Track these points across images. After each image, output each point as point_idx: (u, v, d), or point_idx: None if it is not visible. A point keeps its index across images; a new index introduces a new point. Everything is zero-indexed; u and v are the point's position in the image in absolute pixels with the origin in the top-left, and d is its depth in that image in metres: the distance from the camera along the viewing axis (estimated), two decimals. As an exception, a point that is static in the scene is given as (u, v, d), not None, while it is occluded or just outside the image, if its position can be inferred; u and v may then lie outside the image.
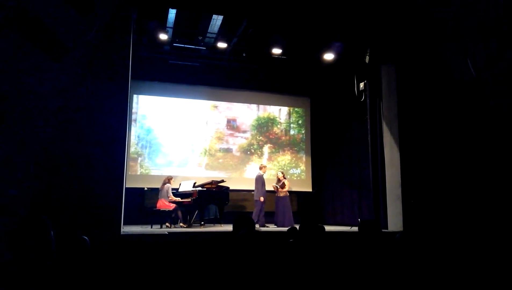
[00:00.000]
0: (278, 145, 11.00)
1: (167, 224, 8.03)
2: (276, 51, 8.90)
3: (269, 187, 8.80)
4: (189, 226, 8.13)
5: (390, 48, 7.91)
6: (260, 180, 8.63)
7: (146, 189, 9.39)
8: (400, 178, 7.69)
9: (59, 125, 5.56)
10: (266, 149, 10.89)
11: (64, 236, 2.62)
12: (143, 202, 9.22)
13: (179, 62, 9.97)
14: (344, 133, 10.03)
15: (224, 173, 10.28)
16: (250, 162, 10.64)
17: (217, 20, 8.30)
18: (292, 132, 11.22)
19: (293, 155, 11.05)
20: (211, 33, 8.82)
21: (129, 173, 9.21)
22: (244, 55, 9.69)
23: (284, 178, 8.95)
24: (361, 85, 8.71)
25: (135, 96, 9.80)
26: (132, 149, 9.68)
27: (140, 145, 9.91)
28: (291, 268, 2.61)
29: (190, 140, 10.24)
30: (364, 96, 8.64)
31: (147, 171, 9.84)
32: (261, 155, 10.80)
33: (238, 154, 10.63)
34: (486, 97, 5.81)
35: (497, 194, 5.68)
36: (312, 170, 11.05)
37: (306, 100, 11.32)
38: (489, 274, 3.14)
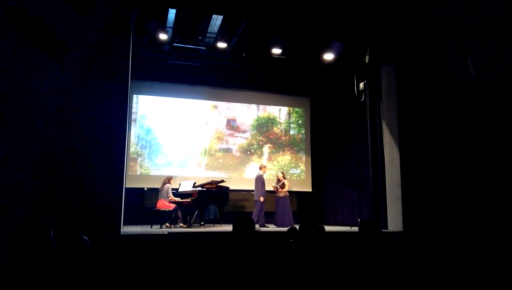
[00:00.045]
0: (278, 145, 10.99)
1: (167, 224, 8.02)
2: (276, 51, 8.89)
3: (269, 187, 8.79)
4: (189, 226, 8.13)
5: (390, 48, 7.92)
6: (260, 180, 8.62)
7: (146, 189, 9.39)
8: (400, 178, 7.69)
9: (59, 125, 5.57)
10: (266, 149, 10.89)
11: (64, 236, 2.62)
12: (143, 202, 9.23)
13: (179, 62, 9.97)
14: (344, 133, 10.02)
15: (224, 173, 10.28)
16: (250, 162, 10.64)
17: (217, 20, 8.30)
18: (292, 132, 11.22)
19: (293, 155, 11.05)
20: (211, 33, 8.82)
21: (129, 173, 9.21)
22: (244, 55, 9.69)
23: (284, 178, 8.94)
24: (361, 85, 8.71)
25: (135, 96, 9.79)
26: (132, 149, 9.68)
27: (140, 145, 9.91)
28: (291, 268, 2.60)
29: (190, 140, 10.23)
30: (364, 96, 8.64)
31: (147, 171, 9.84)
32: (261, 155, 10.80)
33: (238, 154, 10.63)
34: (486, 97, 5.81)
35: (497, 194, 5.69)
36: (312, 170, 11.04)
37: (306, 100, 11.32)
38: (489, 274, 3.14)
